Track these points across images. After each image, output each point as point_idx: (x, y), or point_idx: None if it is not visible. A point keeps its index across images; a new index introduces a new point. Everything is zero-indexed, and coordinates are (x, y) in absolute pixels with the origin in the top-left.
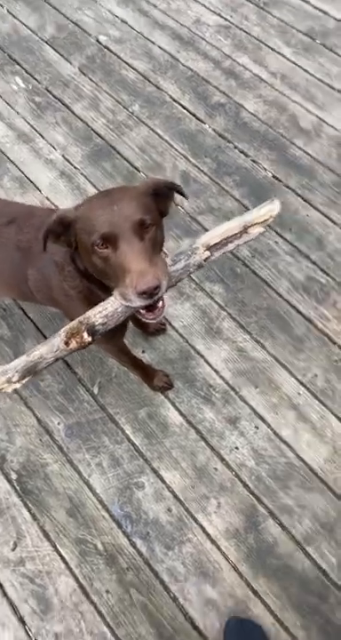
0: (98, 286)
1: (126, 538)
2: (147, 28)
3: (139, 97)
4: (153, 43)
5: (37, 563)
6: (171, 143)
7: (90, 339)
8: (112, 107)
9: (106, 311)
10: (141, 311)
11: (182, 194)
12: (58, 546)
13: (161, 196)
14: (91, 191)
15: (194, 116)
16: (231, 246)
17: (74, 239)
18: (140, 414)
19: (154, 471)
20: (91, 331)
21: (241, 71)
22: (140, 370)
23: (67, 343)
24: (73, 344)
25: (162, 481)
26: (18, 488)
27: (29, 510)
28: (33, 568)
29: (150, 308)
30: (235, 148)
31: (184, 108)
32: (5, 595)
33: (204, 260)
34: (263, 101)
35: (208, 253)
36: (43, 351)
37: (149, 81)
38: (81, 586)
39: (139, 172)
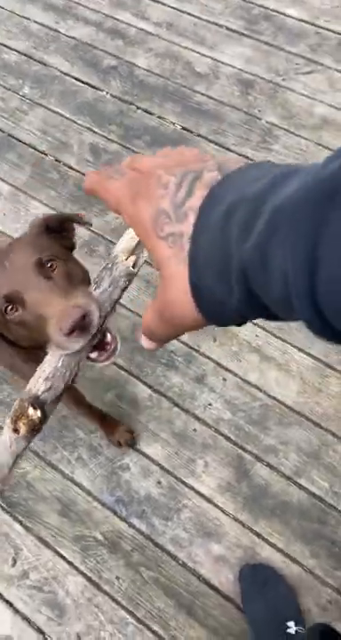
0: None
1: (123, 521)
2: (18, 4)
3: (27, 78)
4: (28, 19)
5: (41, 570)
6: (72, 118)
7: (38, 413)
8: (1, 94)
9: (45, 373)
10: (91, 355)
11: (79, 222)
12: (57, 548)
13: (58, 231)
14: (3, 187)
15: (88, 85)
16: None
17: None
18: (108, 397)
19: (136, 449)
20: (37, 403)
21: (126, 29)
22: (98, 420)
23: (16, 430)
24: (22, 428)
25: (146, 456)
26: (3, 504)
27: (20, 523)
28: (38, 577)
29: (98, 346)
30: (138, 108)
31: (76, 79)
32: (18, 611)
33: (133, 267)
34: (154, 55)
35: (133, 257)
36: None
37: (34, 59)
38: (90, 580)
39: (47, 155)
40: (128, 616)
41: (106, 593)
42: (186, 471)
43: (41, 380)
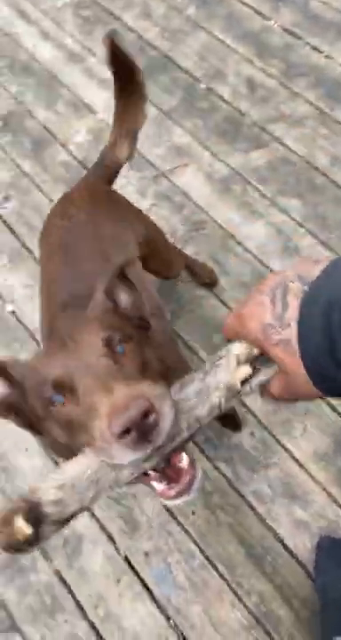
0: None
1: (209, 462)
2: None
3: None
4: None
5: None
6: (233, 46)
7: (28, 530)
8: (165, 12)
9: (62, 479)
10: (155, 484)
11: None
12: None
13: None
14: (150, 110)
15: (257, 12)
16: None
17: (27, 410)
18: (215, 340)
19: None
20: (33, 515)
21: None
22: None
23: None
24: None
25: (243, 404)
26: None
27: None
28: (118, 490)
29: (168, 473)
30: (307, 44)
31: (245, 4)
32: (93, 515)
33: (241, 384)
34: None
35: (247, 370)
36: None
37: None
38: (166, 507)
39: (200, 82)
40: (196, 550)
41: (179, 523)
42: (282, 430)
43: (52, 486)
